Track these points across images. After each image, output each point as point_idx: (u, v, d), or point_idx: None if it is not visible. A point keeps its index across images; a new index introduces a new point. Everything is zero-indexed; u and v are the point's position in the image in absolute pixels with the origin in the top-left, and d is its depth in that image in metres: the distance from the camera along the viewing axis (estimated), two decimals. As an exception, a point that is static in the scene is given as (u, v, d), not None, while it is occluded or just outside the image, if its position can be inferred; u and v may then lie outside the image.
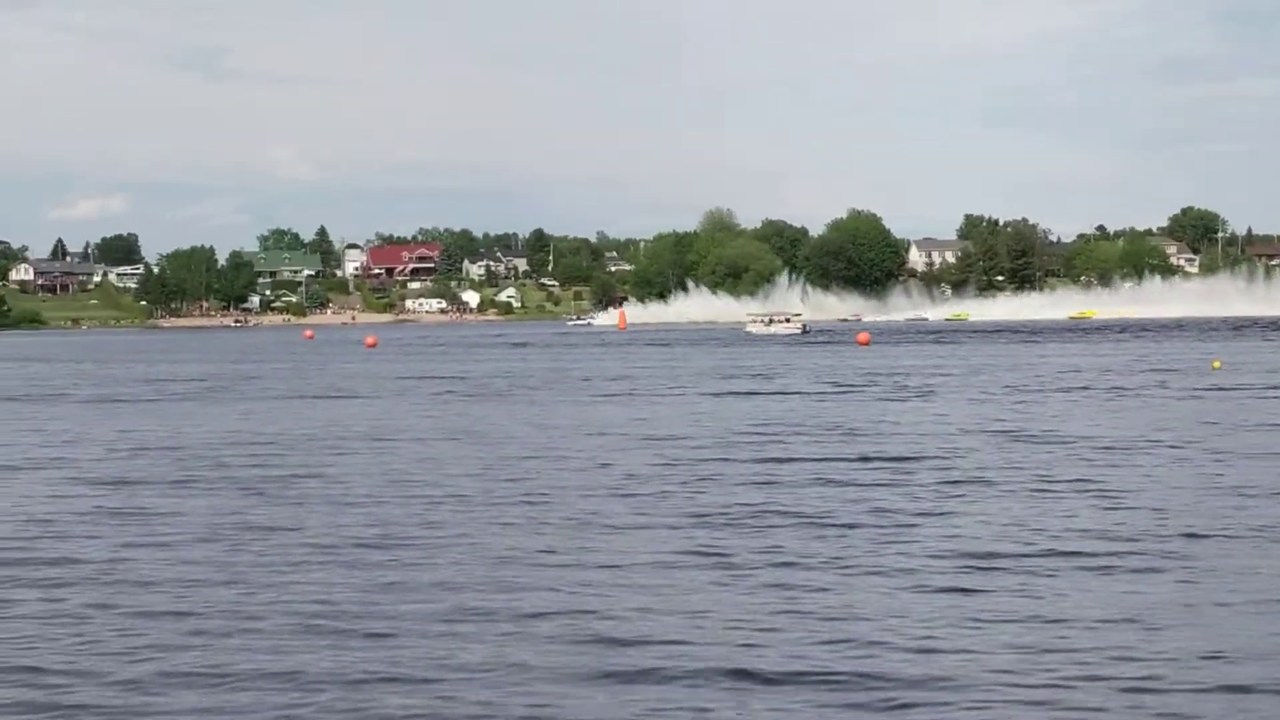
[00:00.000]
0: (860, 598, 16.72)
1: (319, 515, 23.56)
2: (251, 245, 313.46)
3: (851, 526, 21.60)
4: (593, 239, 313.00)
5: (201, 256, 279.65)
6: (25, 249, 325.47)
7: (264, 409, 49.31)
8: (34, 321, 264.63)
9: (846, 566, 18.58)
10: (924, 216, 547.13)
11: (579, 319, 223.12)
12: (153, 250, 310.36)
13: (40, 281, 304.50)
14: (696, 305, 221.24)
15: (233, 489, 27.28)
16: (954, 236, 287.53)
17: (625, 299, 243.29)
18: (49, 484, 28.88)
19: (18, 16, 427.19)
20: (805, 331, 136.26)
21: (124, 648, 14.90)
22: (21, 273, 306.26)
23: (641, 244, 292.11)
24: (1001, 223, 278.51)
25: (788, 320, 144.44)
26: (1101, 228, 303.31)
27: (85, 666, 14.23)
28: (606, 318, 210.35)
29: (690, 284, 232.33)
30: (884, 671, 13.63)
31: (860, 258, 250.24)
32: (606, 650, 14.51)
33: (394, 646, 14.73)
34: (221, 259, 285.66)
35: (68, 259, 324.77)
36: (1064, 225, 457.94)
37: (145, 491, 27.20)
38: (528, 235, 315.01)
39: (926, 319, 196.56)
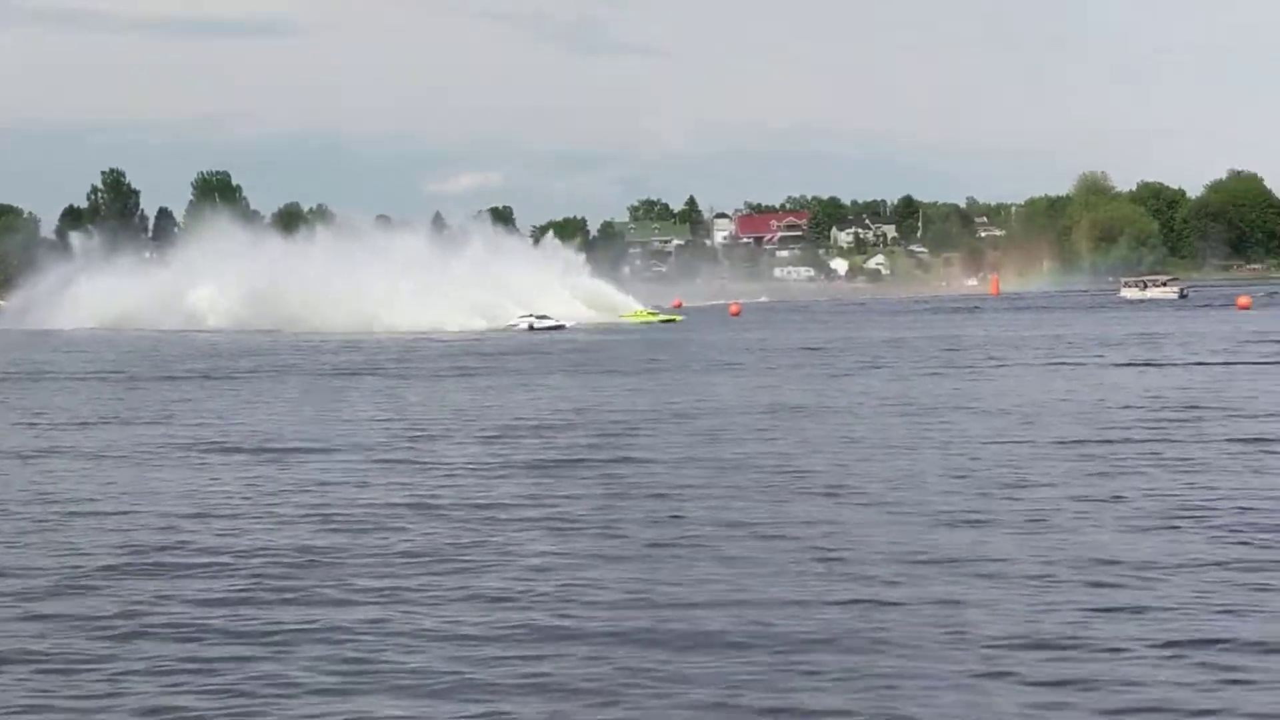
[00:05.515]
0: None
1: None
2: (622, 216, 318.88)
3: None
4: (962, 204, 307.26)
5: (575, 227, 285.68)
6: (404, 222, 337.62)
7: (673, 380, 50.72)
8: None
9: None
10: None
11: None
12: (527, 222, 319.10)
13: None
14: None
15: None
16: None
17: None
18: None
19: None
20: (1184, 296, 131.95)
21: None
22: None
23: (1013, 209, 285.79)
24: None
25: (1164, 284, 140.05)
26: None
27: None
28: (978, 284, 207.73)
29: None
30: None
31: (1242, 219, 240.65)
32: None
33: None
34: (593, 230, 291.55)
35: (445, 232, 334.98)
36: None
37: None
38: (896, 202, 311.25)
39: None
